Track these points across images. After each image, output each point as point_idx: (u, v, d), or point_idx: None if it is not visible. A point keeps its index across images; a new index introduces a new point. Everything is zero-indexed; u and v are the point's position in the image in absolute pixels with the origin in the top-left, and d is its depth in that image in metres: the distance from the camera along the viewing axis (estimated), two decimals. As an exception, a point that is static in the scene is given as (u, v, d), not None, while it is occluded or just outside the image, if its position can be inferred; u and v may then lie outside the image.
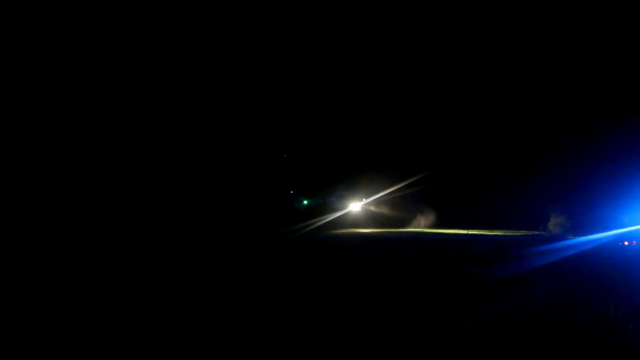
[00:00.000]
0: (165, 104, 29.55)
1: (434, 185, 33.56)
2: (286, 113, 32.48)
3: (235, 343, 9.94)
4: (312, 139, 33.91)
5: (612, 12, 27.53)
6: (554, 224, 32.47)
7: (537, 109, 32.49)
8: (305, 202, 33.78)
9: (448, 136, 34.49)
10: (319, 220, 31.58)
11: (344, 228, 32.73)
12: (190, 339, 10.12)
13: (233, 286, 15.13)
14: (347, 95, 33.03)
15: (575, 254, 22.43)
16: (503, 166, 33.74)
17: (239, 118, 31.10)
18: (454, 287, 15.52)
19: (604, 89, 29.93)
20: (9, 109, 24.76)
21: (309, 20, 29.73)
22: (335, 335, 10.27)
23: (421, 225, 36.04)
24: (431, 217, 36.05)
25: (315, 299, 13.50)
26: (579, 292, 14.92)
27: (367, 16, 29.75)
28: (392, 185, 33.01)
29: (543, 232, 32.19)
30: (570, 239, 28.09)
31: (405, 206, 35.48)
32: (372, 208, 35.47)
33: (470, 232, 32.00)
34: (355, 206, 35.02)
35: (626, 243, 24.47)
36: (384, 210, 35.69)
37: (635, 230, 25.09)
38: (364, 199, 34.95)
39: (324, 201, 34.41)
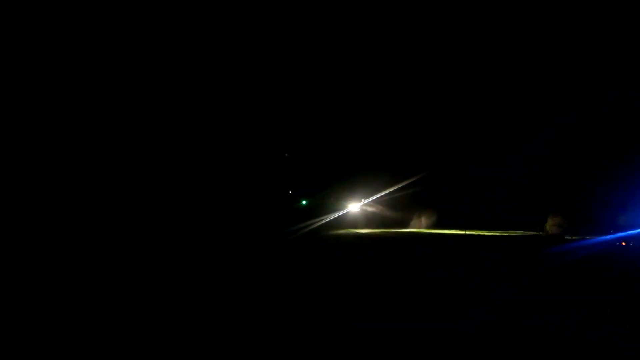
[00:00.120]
0: (165, 104, 29.55)
1: (433, 186, 33.66)
2: (285, 113, 32.54)
3: (235, 342, 9.97)
4: (311, 139, 33.96)
5: (612, 11, 27.64)
6: (552, 224, 32.52)
7: (535, 109, 32.62)
8: (304, 202, 33.79)
9: (446, 137, 34.59)
10: (318, 221, 31.60)
11: (343, 229, 32.77)
12: (190, 339, 10.15)
13: (233, 286, 15.16)
14: (346, 95, 33.11)
15: (572, 254, 22.53)
16: (501, 166, 33.82)
17: (238, 118, 31.13)
18: (451, 287, 15.58)
19: (603, 88, 30.06)
20: (9, 109, 24.73)
21: (307, 20, 29.80)
22: (334, 335, 10.31)
23: (420, 226, 36.08)
24: (430, 218, 36.10)
25: (315, 299, 13.54)
26: (576, 292, 14.98)
27: (364, 17, 29.87)
28: (390, 186, 33.09)
29: (540, 233, 32.24)
30: (568, 239, 28.19)
31: (403, 207, 35.56)
32: (371, 209, 35.51)
33: (468, 232, 32.08)
34: (353, 207, 35.06)
35: (623, 244, 24.54)
36: (383, 210, 35.75)
37: (634, 231, 25.16)
38: (362, 200, 34.99)
39: (323, 201, 34.43)
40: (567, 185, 32.50)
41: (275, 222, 29.29)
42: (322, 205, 34.11)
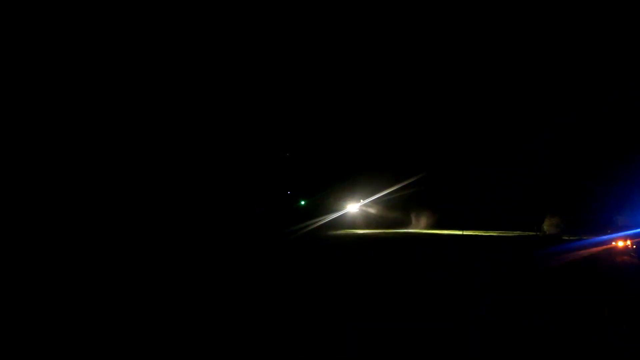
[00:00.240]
0: (165, 103, 29.53)
1: (431, 187, 33.74)
2: (285, 113, 32.57)
3: (235, 342, 10.02)
4: (311, 139, 34.01)
5: (611, 11, 27.73)
6: (549, 224, 32.60)
7: (534, 109, 32.71)
8: (304, 202, 33.82)
9: (445, 137, 34.67)
10: (318, 221, 31.62)
11: (342, 229, 32.80)
12: (190, 339, 10.19)
13: (233, 286, 15.21)
14: (345, 95, 33.15)
15: (569, 254, 22.60)
16: (500, 167, 33.91)
17: (238, 118, 31.14)
18: (449, 287, 15.65)
19: (601, 88, 30.16)
20: (9, 109, 24.71)
21: (308, 20, 29.85)
22: (333, 335, 10.37)
23: (418, 226, 36.12)
24: (429, 218, 36.16)
25: (315, 299, 13.60)
26: (572, 292, 15.08)
27: (365, 17, 29.93)
28: (389, 187, 33.15)
29: (538, 233, 32.31)
30: (566, 239, 28.26)
31: (402, 207, 35.63)
32: (370, 209, 35.55)
33: (465, 232, 32.14)
34: (353, 207, 35.08)
35: (621, 244, 24.56)
36: (381, 211, 35.79)
37: (632, 231, 25.19)
38: (361, 200, 35.03)
39: (322, 202, 34.45)
40: (565, 185, 32.60)
41: (275, 222, 29.32)
42: (321, 205, 34.14)
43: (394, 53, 31.72)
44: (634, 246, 23.73)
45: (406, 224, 36.41)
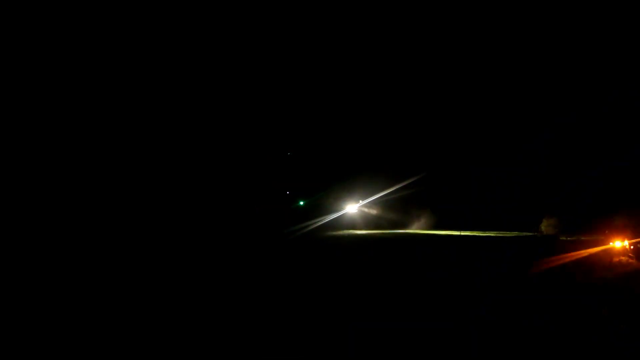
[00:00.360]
0: (164, 103, 29.50)
1: (430, 187, 33.79)
2: (285, 113, 32.57)
3: (235, 342, 10.05)
4: (311, 139, 34.01)
5: (611, 11, 27.79)
6: (547, 224, 32.67)
7: (533, 109, 32.77)
8: (303, 202, 33.80)
9: (444, 138, 34.72)
10: (317, 222, 31.59)
11: (342, 229, 32.78)
12: (190, 339, 10.22)
13: (233, 286, 15.23)
14: (345, 95, 33.17)
15: (568, 254, 22.69)
16: (497, 167, 33.99)
17: (238, 118, 31.13)
18: (448, 287, 15.72)
19: (599, 88, 30.22)
20: (9, 109, 24.68)
21: (308, 20, 29.89)
22: (332, 335, 10.42)
23: (417, 227, 36.12)
24: (427, 219, 36.17)
25: (315, 299, 13.65)
26: (571, 292, 15.18)
27: (365, 17, 29.98)
28: (388, 187, 33.16)
29: (536, 233, 32.38)
30: (563, 239, 28.33)
31: (402, 208, 35.60)
32: (369, 210, 35.54)
33: (463, 233, 32.19)
34: (352, 207, 35.06)
35: (619, 244, 24.67)
36: (381, 211, 35.79)
37: (630, 232, 25.26)
38: (360, 201, 35.02)
39: (322, 202, 34.42)
40: (563, 185, 32.68)
41: (274, 222, 29.32)
42: (320, 205, 34.09)
43: (395, 53, 31.78)
44: (632, 247, 23.85)
45: (405, 225, 36.37)
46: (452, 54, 31.55)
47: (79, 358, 9.46)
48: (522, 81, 32.23)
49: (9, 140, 24.57)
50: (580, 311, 12.97)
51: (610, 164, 30.50)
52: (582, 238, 26.74)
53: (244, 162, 31.18)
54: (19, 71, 25.12)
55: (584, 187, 31.32)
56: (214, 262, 19.79)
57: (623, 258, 22.72)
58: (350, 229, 33.29)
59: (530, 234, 32.26)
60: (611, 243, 24.53)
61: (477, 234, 32.03)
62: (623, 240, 24.15)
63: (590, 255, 22.73)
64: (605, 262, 21.70)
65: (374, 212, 35.56)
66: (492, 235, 31.81)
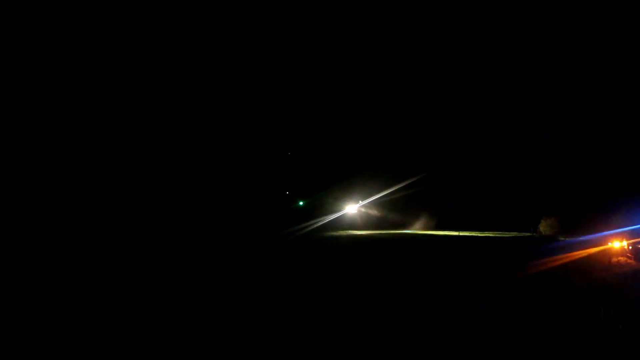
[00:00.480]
0: (165, 103, 29.51)
1: (428, 188, 33.84)
2: (285, 114, 32.60)
3: (236, 342, 10.09)
4: (311, 140, 34.05)
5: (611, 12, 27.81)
6: (546, 225, 32.74)
7: (529, 111, 32.86)
8: (303, 203, 33.85)
9: (444, 138, 34.78)
10: (317, 222, 31.64)
11: (341, 230, 32.82)
12: (190, 339, 10.25)
13: (234, 286, 15.27)
14: (345, 96, 33.20)
15: (566, 254, 22.74)
16: (495, 168, 34.06)
17: (239, 118, 31.15)
18: (446, 287, 15.77)
19: (598, 89, 30.29)
20: (9, 109, 24.68)
21: (309, 20, 29.91)
22: (332, 335, 10.45)
23: (416, 227, 36.17)
24: (426, 219, 36.24)
25: (315, 299, 13.69)
26: (569, 292, 15.22)
27: (365, 17, 30.01)
28: (387, 188, 33.21)
29: (534, 234, 32.45)
30: (562, 240, 28.40)
31: (401, 208, 35.65)
32: (369, 210, 35.59)
33: (462, 233, 32.25)
34: (351, 208, 35.11)
35: (617, 245, 24.72)
36: (380, 212, 35.84)
37: (629, 232, 25.31)
38: (360, 201, 35.06)
39: (322, 202, 34.46)
40: (561, 186, 32.76)
41: (274, 222, 29.36)
42: (320, 206, 34.15)
43: (395, 54, 31.82)
44: (630, 247, 23.92)
45: (405, 225, 36.42)
46: (453, 55, 31.60)
47: (78, 357, 9.46)
48: (521, 83, 32.32)
49: (9, 140, 24.59)
50: (580, 311, 13.02)
51: (609, 165, 30.58)
52: (581, 238, 26.77)
53: (244, 162, 31.21)
54: (20, 71, 25.14)
55: (583, 187, 31.41)
56: (214, 261, 19.82)
57: (621, 258, 22.79)
58: (350, 230, 33.34)
59: (529, 234, 32.33)
60: (610, 243, 24.57)
61: (476, 234, 32.10)
62: (622, 241, 24.19)
63: (589, 256, 22.78)
64: (604, 262, 21.76)
65: (373, 212, 35.60)
66: (491, 235, 31.87)
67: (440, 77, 32.67)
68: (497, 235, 31.93)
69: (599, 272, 19.38)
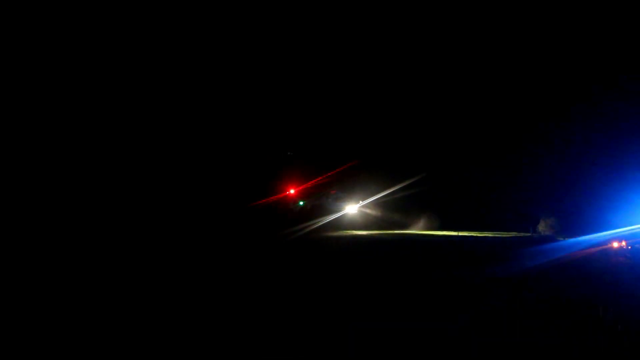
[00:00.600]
0: (164, 102, 29.54)
1: (428, 188, 33.91)
2: (285, 114, 32.63)
3: (236, 343, 10.13)
4: (311, 140, 34.08)
5: (611, 12, 27.83)
6: (544, 225, 32.84)
7: (528, 111, 32.91)
8: (303, 203, 33.89)
9: (444, 138, 34.82)
10: (317, 222, 31.72)
11: (342, 230, 32.90)
12: (190, 339, 10.29)
13: (233, 286, 15.31)
14: (345, 96, 33.22)
15: (564, 255, 22.83)
16: (494, 168, 34.15)
17: (239, 118, 31.19)
18: (445, 288, 15.82)
19: (596, 90, 30.34)
20: (9, 109, 24.71)
21: (309, 20, 29.92)
22: (331, 336, 10.50)
23: (416, 228, 36.25)
24: (427, 219, 36.32)
25: (314, 299, 13.74)
26: (568, 293, 15.28)
27: (366, 18, 30.02)
28: (387, 188, 33.28)
29: (533, 234, 32.55)
30: (561, 240, 28.51)
31: (401, 208, 35.73)
32: (368, 210, 35.64)
33: (461, 233, 32.35)
34: (352, 208, 35.17)
35: (616, 245, 24.83)
36: (380, 212, 35.90)
37: (627, 231, 25.43)
38: (360, 201, 35.12)
39: (321, 203, 34.52)
40: (560, 186, 32.85)
41: (274, 222, 29.42)
42: (320, 206, 34.20)
43: (395, 54, 31.84)
44: (629, 247, 24.03)
45: (405, 225, 36.49)
46: (454, 57, 31.64)
47: (78, 358, 9.50)
48: (522, 84, 32.37)
49: (9, 141, 24.61)
50: (579, 311, 13.07)
51: (609, 165, 30.67)
52: (580, 239, 26.90)
53: (244, 162, 31.25)
54: (20, 71, 25.16)
55: (583, 187, 31.50)
56: (213, 261, 19.87)
57: (620, 258, 22.90)
58: (350, 230, 33.40)
59: (528, 234, 32.43)
60: (609, 243, 24.67)
61: (475, 235, 32.19)
62: (620, 241, 24.31)
63: (588, 255, 22.88)
64: (602, 262, 21.85)
65: (374, 212, 35.65)
66: (490, 235, 31.97)
67: (440, 77, 32.73)
68: (496, 235, 32.02)
69: (598, 272, 19.45)
